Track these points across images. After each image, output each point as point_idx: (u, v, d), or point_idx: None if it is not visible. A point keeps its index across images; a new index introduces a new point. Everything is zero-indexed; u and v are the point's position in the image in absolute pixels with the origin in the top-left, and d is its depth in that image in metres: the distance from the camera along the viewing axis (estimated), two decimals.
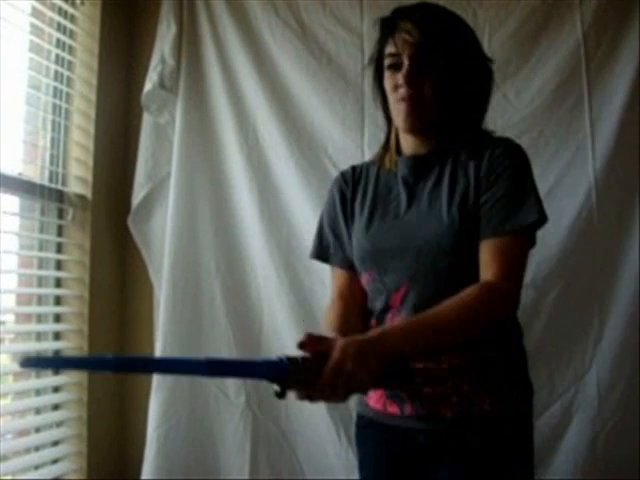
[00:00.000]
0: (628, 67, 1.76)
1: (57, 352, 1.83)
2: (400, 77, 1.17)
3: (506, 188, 1.12)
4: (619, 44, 1.78)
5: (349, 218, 1.30)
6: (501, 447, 1.17)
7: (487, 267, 1.09)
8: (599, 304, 1.74)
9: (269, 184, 1.92)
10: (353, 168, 1.34)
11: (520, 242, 1.12)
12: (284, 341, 1.87)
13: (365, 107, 1.87)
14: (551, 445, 1.70)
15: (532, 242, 1.17)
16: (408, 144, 1.24)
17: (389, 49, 1.20)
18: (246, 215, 1.92)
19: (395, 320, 1.18)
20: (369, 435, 1.27)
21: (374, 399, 1.23)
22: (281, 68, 1.94)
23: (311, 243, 1.35)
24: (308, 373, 0.94)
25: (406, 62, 1.16)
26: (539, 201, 1.13)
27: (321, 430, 1.81)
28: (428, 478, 1.21)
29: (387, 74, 1.21)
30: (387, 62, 1.20)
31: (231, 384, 1.88)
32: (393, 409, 1.20)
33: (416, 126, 1.19)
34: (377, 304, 1.23)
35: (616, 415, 1.69)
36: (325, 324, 1.23)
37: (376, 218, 1.24)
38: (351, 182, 1.31)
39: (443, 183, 1.18)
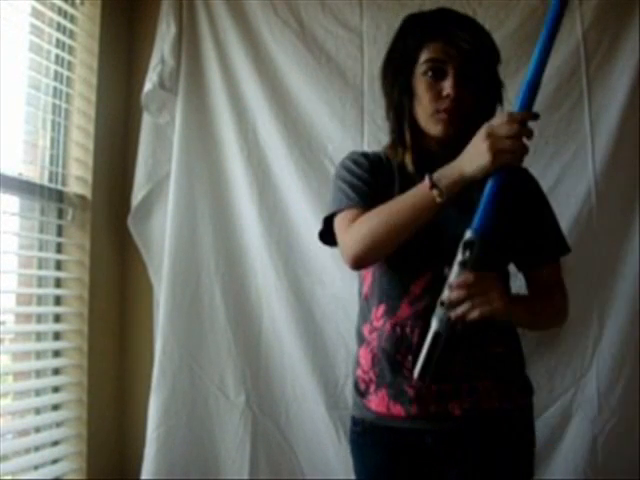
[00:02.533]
0: (628, 67, 1.76)
1: (57, 352, 1.84)
2: (447, 87, 1.17)
3: (552, 221, 1.32)
4: (619, 44, 1.78)
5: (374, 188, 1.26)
6: (508, 445, 1.18)
7: (554, 288, 1.29)
8: (599, 304, 1.74)
9: (269, 184, 1.92)
10: (374, 154, 1.32)
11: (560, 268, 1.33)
12: (284, 341, 1.87)
13: (365, 106, 1.87)
14: (551, 445, 1.70)
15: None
16: (432, 143, 1.25)
17: (431, 55, 1.19)
18: (246, 215, 1.93)
19: (413, 308, 1.18)
20: (368, 441, 1.25)
21: (376, 401, 1.22)
22: (280, 68, 1.94)
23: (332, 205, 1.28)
24: None
25: (452, 71, 1.17)
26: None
27: (321, 430, 1.81)
28: (434, 477, 1.21)
29: (425, 80, 1.20)
30: (427, 67, 1.19)
31: (231, 384, 1.88)
32: (397, 410, 1.19)
33: (453, 134, 1.20)
34: (390, 289, 1.21)
35: (616, 415, 1.69)
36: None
37: None
38: (378, 164, 1.29)
39: (472, 186, 1.17)
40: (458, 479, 1.19)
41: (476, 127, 1.20)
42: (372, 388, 1.23)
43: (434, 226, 1.16)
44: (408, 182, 1.22)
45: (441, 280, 1.10)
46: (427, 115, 1.21)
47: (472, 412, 1.15)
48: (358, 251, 1.15)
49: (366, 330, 1.26)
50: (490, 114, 1.25)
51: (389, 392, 1.20)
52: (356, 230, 1.16)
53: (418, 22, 1.23)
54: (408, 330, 1.18)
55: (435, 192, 1.08)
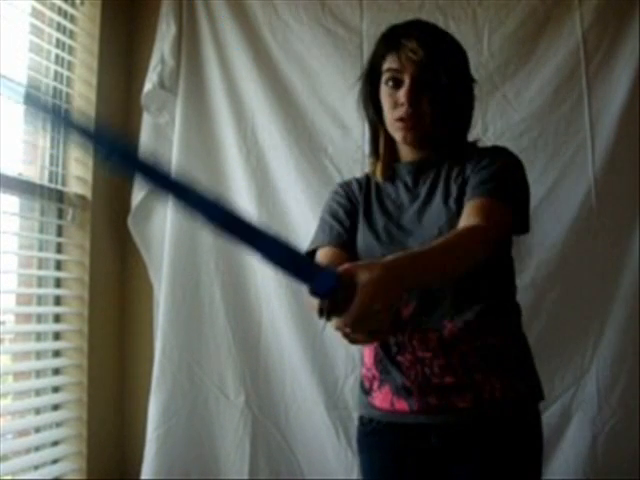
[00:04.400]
0: (628, 67, 1.76)
1: (57, 352, 1.84)
2: (401, 95, 1.21)
3: (492, 171, 1.16)
4: (619, 44, 1.78)
5: (354, 217, 1.30)
6: (515, 440, 1.18)
7: (467, 219, 1.10)
8: (599, 304, 1.74)
9: (268, 184, 1.92)
10: (355, 180, 1.38)
11: (502, 206, 1.11)
12: (284, 341, 1.87)
13: None
14: (551, 445, 1.69)
15: (523, 224, 1.18)
16: (406, 152, 1.29)
17: (389, 65, 1.23)
18: (246, 215, 1.92)
19: (404, 311, 1.20)
20: (376, 442, 1.27)
21: (380, 398, 1.24)
22: (280, 68, 1.94)
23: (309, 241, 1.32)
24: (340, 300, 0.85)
25: (407, 80, 1.21)
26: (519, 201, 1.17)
27: (321, 430, 1.81)
28: (441, 477, 1.22)
29: (385, 89, 1.25)
30: (387, 76, 1.24)
31: (231, 384, 1.88)
32: (401, 405, 1.20)
33: (414, 140, 1.24)
34: None
35: (616, 415, 1.69)
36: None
37: (380, 220, 1.27)
38: (357, 190, 1.34)
39: (439, 183, 1.24)
40: (466, 478, 1.19)
41: (450, 128, 1.24)
42: (376, 385, 1.25)
43: (402, 237, 1.22)
44: (381, 192, 1.30)
45: None
46: (389, 123, 1.26)
47: (474, 405, 1.16)
48: None
49: None
50: (463, 114, 1.27)
51: (392, 387, 1.22)
52: None
53: (383, 35, 1.28)
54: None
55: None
